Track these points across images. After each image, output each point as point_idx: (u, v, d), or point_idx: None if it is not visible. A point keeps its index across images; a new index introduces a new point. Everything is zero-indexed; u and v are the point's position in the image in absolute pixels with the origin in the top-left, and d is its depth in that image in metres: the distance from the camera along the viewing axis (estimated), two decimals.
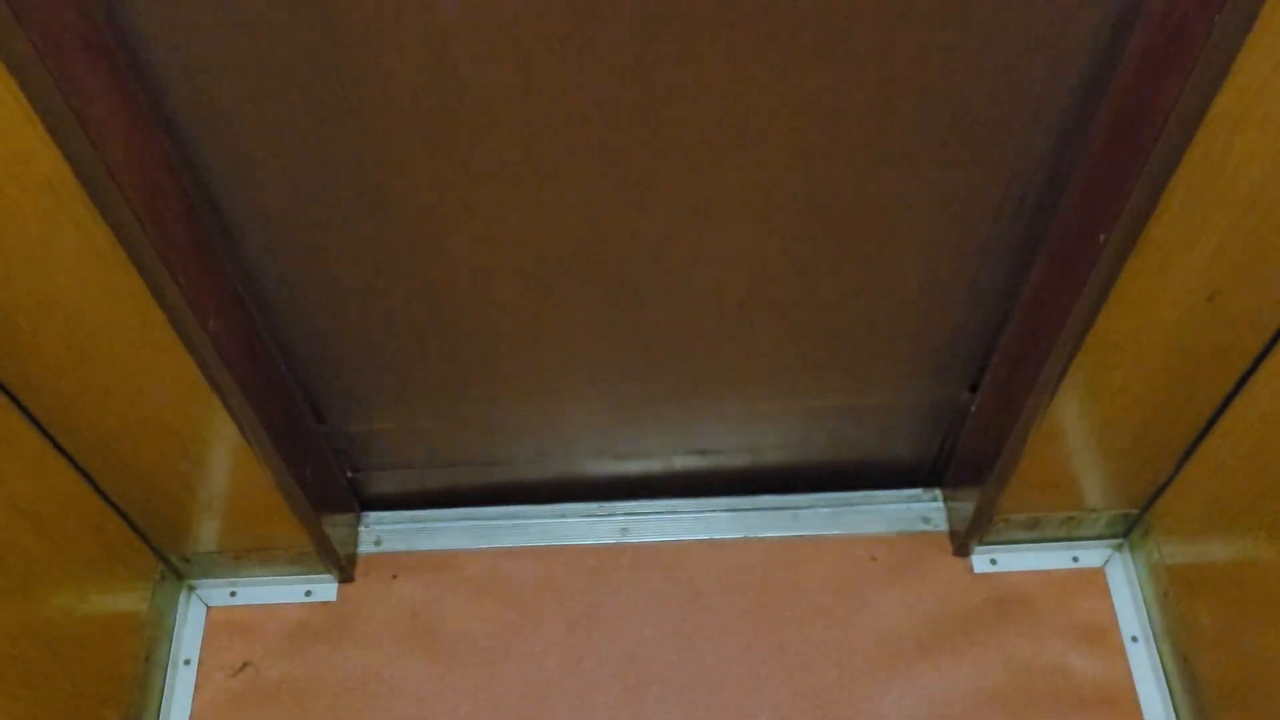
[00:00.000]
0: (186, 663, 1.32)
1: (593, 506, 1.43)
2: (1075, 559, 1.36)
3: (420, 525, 1.43)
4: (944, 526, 1.40)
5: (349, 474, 1.38)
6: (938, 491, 1.43)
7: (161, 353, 0.92)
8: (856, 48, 0.80)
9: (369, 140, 0.86)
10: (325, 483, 1.28)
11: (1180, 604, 1.23)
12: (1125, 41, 0.79)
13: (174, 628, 1.34)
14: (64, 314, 0.87)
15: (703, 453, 1.38)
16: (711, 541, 1.40)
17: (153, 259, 0.80)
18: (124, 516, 1.19)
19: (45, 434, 1.02)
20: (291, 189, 0.91)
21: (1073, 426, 1.12)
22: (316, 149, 0.87)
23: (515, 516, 1.43)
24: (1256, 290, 0.91)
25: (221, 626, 1.36)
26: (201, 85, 0.80)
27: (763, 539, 1.40)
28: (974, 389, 1.23)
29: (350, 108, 0.83)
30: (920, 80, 0.83)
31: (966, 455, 1.30)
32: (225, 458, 1.11)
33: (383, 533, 1.42)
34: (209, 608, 1.37)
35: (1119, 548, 1.36)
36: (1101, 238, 0.84)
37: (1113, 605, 1.33)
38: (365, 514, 1.44)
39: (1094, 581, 1.35)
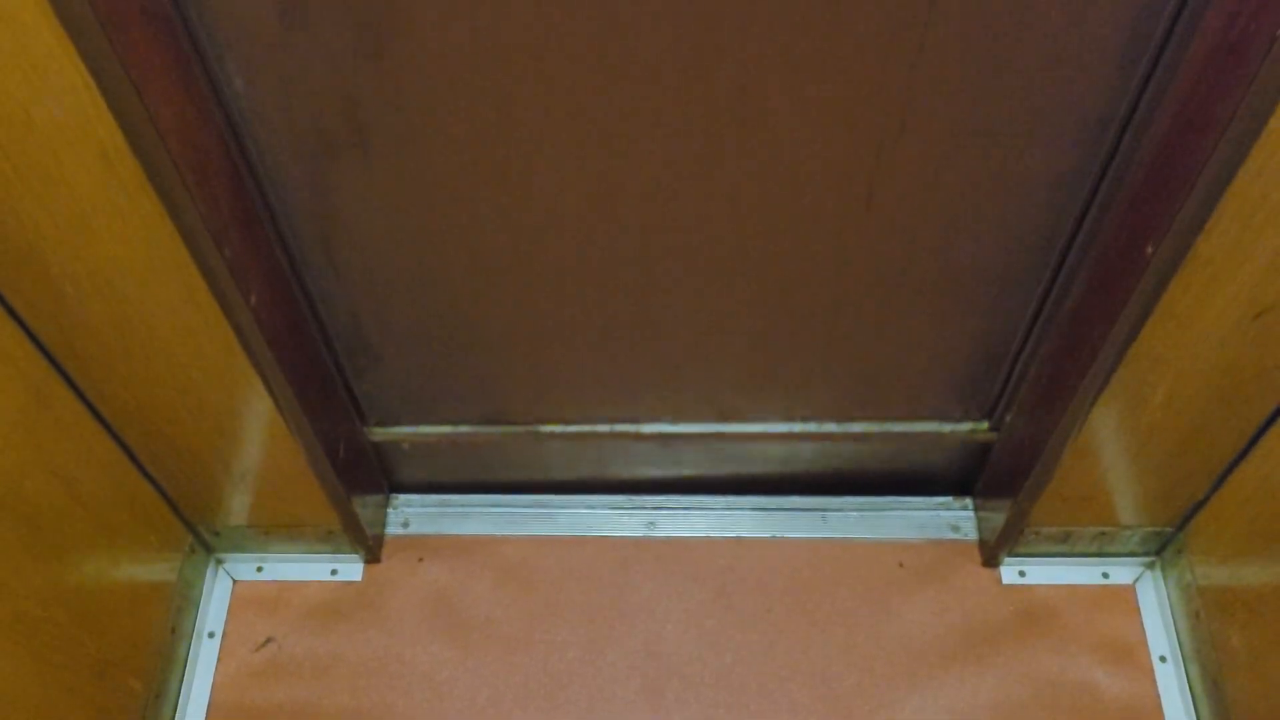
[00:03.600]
0: (211, 635, 1.34)
1: (620, 499, 1.43)
2: (1106, 575, 1.35)
3: (449, 509, 1.44)
4: (974, 536, 1.39)
5: (380, 455, 1.38)
6: (969, 500, 1.41)
7: (203, 325, 0.93)
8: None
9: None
10: (357, 463, 1.28)
11: (1211, 625, 1.21)
12: (1184, 52, 0.78)
13: (200, 600, 1.35)
14: (110, 282, 0.88)
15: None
16: (738, 540, 1.40)
17: (199, 230, 0.81)
18: (157, 487, 1.20)
19: (85, 401, 1.04)
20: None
21: (1110, 440, 1.10)
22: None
23: (543, 505, 1.43)
24: None
25: (247, 601, 1.37)
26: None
27: (790, 539, 1.40)
28: (1006, 404, 1.22)
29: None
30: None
31: (1000, 464, 1.29)
32: (259, 433, 1.11)
33: (411, 515, 1.43)
34: (235, 582, 1.38)
35: (1151, 566, 1.34)
36: (1149, 249, 0.83)
37: (1142, 624, 1.32)
38: (394, 495, 1.45)
39: (1124, 599, 1.34)
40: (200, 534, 1.33)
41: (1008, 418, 1.23)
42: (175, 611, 1.29)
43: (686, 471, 1.39)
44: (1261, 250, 0.84)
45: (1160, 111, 0.82)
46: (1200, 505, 1.21)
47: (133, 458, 1.14)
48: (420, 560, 1.40)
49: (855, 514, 1.41)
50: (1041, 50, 0.80)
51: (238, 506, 1.27)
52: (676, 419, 1.28)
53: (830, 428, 1.29)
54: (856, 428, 1.29)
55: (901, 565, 1.37)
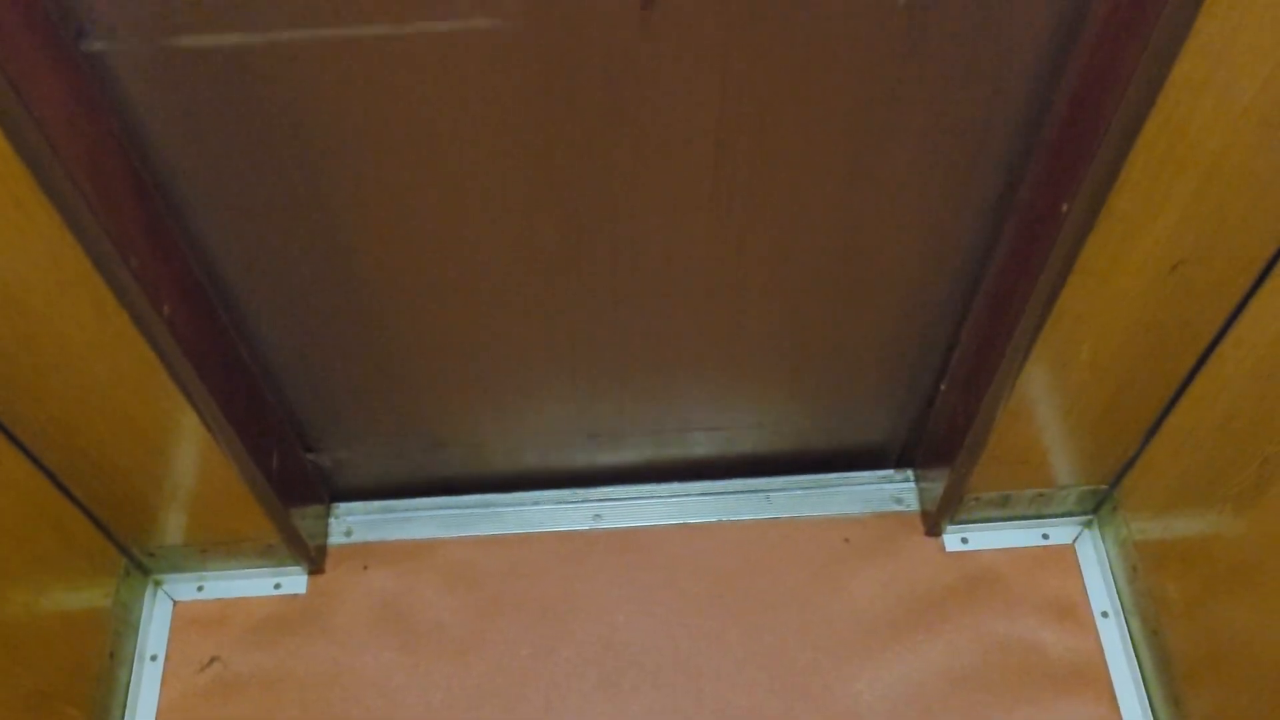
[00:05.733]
0: (153, 658, 1.31)
1: (565, 493, 1.42)
2: (1045, 536, 1.36)
3: (392, 515, 1.42)
4: (916, 506, 1.40)
5: (318, 463, 1.36)
6: (909, 472, 1.43)
7: (116, 339, 0.91)
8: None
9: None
10: (293, 473, 1.26)
11: (1149, 578, 1.23)
12: (1089, 8, 0.78)
13: (140, 623, 1.32)
14: (13, 299, 0.85)
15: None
16: (685, 525, 1.40)
17: (102, 241, 0.79)
18: (85, 510, 1.17)
19: None
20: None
21: (1040, 402, 1.12)
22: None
23: (488, 504, 1.42)
24: (1220, 260, 0.91)
25: (189, 621, 1.34)
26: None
27: (736, 522, 1.40)
28: (943, 372, 1.23)
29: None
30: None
31: (936, 434, 1.30)
32: (188, 448, 1.09)
33: (353, 523, 1.41)
34: (176, 602, 1.35)
35: (1089, 524, 1.36)
36: (1064, 207, 0.84)
37: (1083, 581, 1.33)
38: (335, 504, 1.42)
39: (1064, 558, 1.35)
40: (135, 555, 1.30)
41: (942, 386, 1.24)
42: (114, 636, 1.25)
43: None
44: (1173, 202, 0.85)
45: (1070, 67, 0.83)
46: (1132, 461, 1.23)
47: (55, 481, 1.11)
48: (365, 568, 1.38)
49: (799, 492, 1.41)
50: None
51: (172, 525, 1.25)
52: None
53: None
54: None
55: (847, 540, 1.38)
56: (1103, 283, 0.93)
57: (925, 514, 1.38)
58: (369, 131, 0.86)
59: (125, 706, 1.26)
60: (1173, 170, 0.82)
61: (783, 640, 1.31)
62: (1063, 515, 1.36)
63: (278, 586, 1.36)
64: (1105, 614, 1.31)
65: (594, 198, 0.96)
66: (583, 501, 1.42)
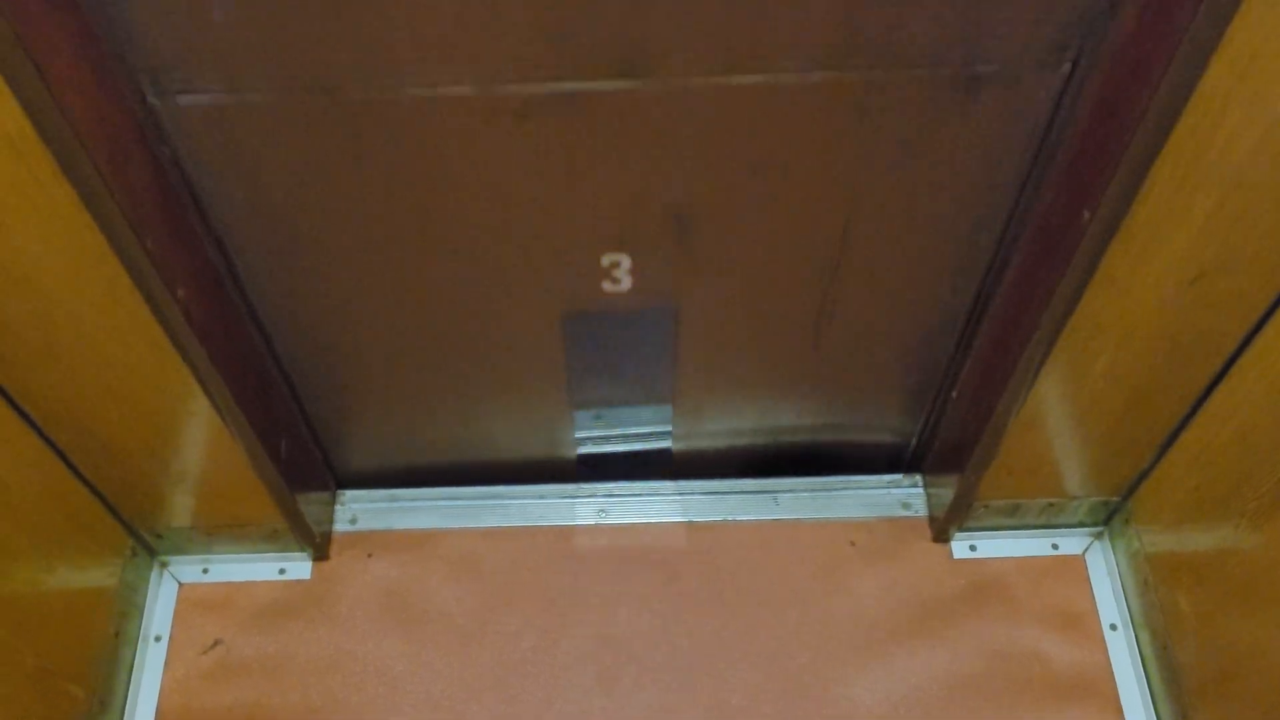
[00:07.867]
0: (157, 639, 1.31)
1: (571, 487, 1.42)
2: (1055, 546, 1.36)
3: (397, 504, 1.42)
4: (924, 512, 1.39)
5: (325, 450, 1.36)
6: (918, 477, 1.42)
7: (129, 320, 0.90)
8: None
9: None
10: (301, 459, 1.26)
11: (1160, 592, 1.22)
12: (1116, 12, 0.77)
13: (145, 604, 1.32)
14: (29, 279, 0.85)
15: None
16: (690, 524, 1.39)
17: (119, 221, 0.78)
18: (93, 490, 1.17)
19: (10, 402, 1.00)
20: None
21: (1054, 412, 1.11)
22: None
23: (493, 496, 1.42)
24: (1242, 273, 0.90)
25: (194, 603, 1.34)
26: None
27: (741, 522, 1.39)
28: (952, 381, 1.22)
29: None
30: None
31: (947, 440, 1.29)
32: (197, 431, 1.09)
33: (359, 511, 1.41)
34: (181, 584, 1.35)
35: (1099, 535, 1.35)
36: (1086, 215, 0.83)
37: (1092, 593, 1.33)
38: (341, 491, 1.42)
39: (1074, 569, 1.35)
40: (142, 537, 1.30)
41: (954, 393, 1.23)
42: (118, 616, 1.26)
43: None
44: (1196, 213, 0.84)
45: (1094, 73, 0.82)
46: (1145, 474, 1.22)
47: (65, 460, 1.11)
48: (369, 556, 1.38)
49: (806, 495, 1.41)
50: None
51: (180, 508, 1.25)
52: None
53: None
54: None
55: (853, 544, 1.37)
56: (1122, 293, 0.92)
57: (933, 520, 1.37)
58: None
59: (128, 686, 1.27)
60: (1197, 180, 0.81)
61: (783, 641, 1.31)
62: (1073, 526, 1.35)
63: (282, 571, 1.36)
64: (1114, 626, 1.30)
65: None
66: (588, 497, 1.41)
